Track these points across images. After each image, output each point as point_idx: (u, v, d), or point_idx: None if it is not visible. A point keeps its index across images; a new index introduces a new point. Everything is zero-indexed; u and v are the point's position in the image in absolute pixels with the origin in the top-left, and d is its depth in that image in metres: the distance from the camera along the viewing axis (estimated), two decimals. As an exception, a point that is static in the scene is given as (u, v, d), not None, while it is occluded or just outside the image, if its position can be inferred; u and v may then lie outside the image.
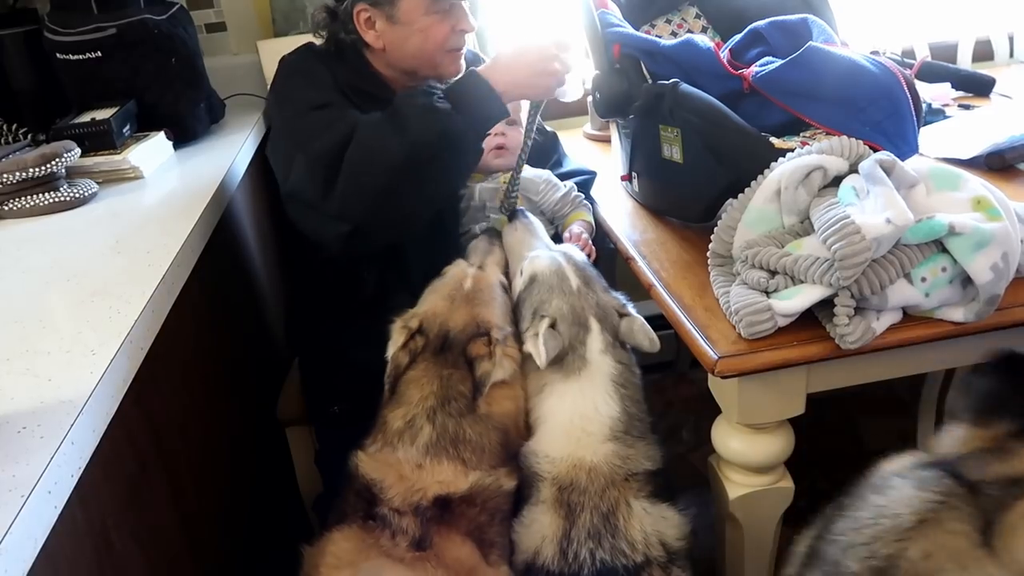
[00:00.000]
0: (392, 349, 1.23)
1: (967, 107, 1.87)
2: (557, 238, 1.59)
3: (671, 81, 1.36)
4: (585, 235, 1.52)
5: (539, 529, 1.16)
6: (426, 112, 1.29)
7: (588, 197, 1.64)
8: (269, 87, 1.59)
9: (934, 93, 1.92)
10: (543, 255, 1.34)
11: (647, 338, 1.26)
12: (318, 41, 1.57)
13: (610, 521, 1.14)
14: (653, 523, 1.16)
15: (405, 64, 1.51)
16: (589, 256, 1.43)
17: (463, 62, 1.52)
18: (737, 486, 1.28)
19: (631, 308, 1.29)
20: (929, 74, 1.96)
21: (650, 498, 1.17)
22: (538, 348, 1.20)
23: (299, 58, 1.53)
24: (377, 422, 1.22)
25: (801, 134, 1.34)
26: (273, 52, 2.01)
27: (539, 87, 1.37)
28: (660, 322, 1.30)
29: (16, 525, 0.70)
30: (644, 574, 1.12)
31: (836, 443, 2.17)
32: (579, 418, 1.19)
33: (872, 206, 1.06)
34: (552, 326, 1.23)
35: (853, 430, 2.22)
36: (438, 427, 1.16)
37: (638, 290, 1.38)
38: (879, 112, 1.27)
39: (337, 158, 1.29)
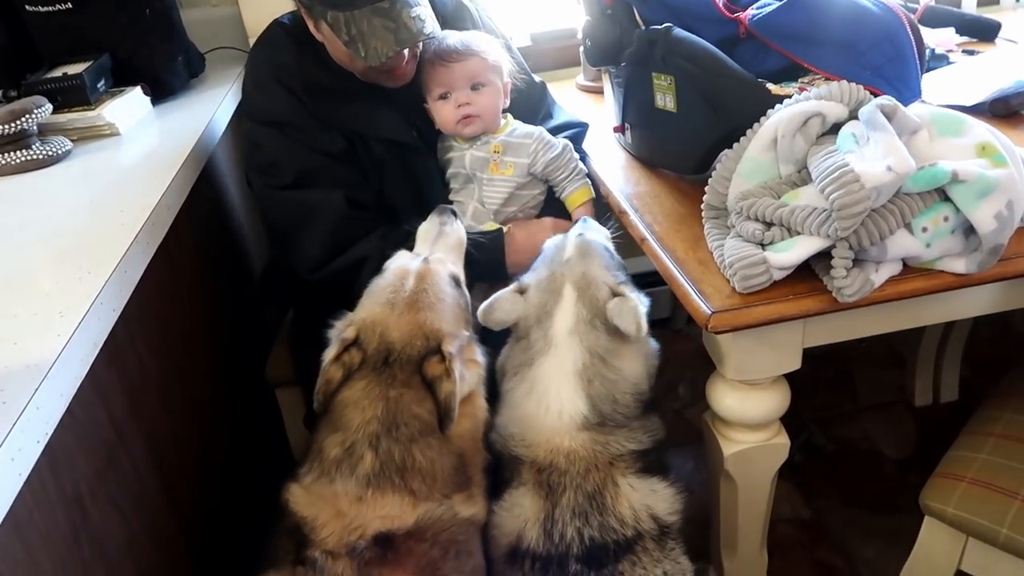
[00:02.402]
0: (325, 360, 1.10)
1: (971, 52, 1.81)
2: (552, 198, 1.55)
3: (664, 26, 1.30)
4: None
5: (520, 512, 1.12)
6: None
7: (580, 150, 1.58)
8: (244, 76, 1.51)
9: (938, 38, 1.86)
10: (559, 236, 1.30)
11: (634, 322, 1.13)
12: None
13: (596, 500, 1.10)
14: (642, 497, 1.13)
15: (339, 60, 1.43)
16: None
17: (410, 70, 1.45)
18: (732, 443, 1.26)
19: (630, 291, 1.18)
20: (933, 18, 1.89)
21: (638, 474, 1.14)
22: (481, 313, 1.16)
23: (267, 59, 1.46)
24: (311, 447, 1.09)
25: (799, 80, 1.28)
26: (254, 4, 1.95)
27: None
28: (653, 278, 1.27)
29: (-24, 494, 0.67)
30: (638, 547, 1.10)
31: (831, 398, 2.16)
32: (546, 411, 1.14)
33: (872, 153, 1.02)
34: (521, 292, 1.18)
35: (849, 384, 2.21)
36: (382, 454, 1.02)
37: (631, 246, 1.34)
38: (881, 56, 1.21)
39: (340, 274, 1.40)
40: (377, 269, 1.24)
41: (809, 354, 1.17)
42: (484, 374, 1.15)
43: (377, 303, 1.13)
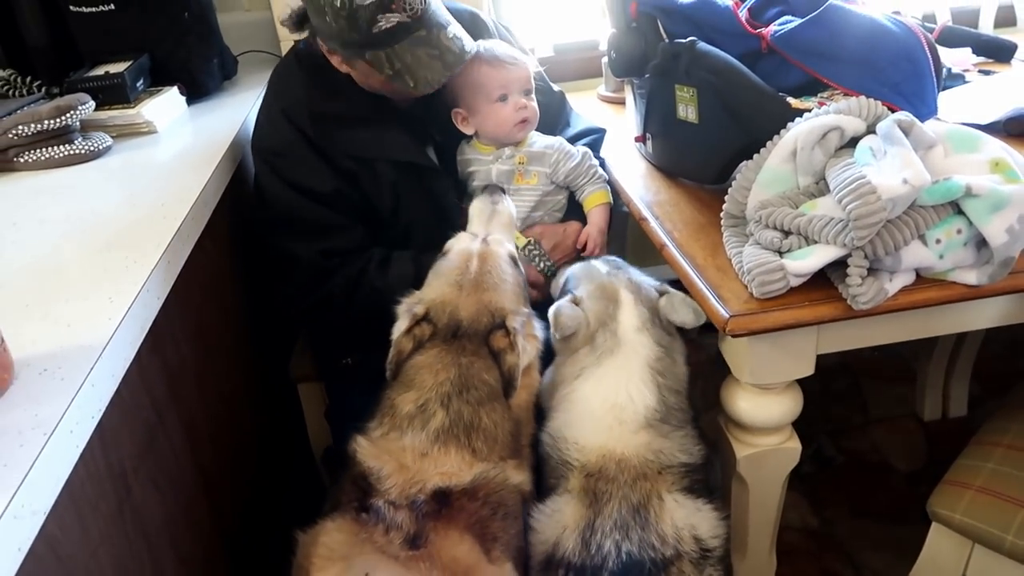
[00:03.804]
0: (396, 333, 1.19)
1: (987, 72, 1.84)
2: (573, 203, 1.59)
3: (688, 40, 1.34)
4: (596, 241, 1.53)
5: (560, 519, 1.12)
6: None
7: (598, 156, 1.62)
8: (261, 103, 1.52)
9: (955, 58, 1.88)
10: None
11: (691, 310, 1.22)
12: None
13: (640, 514, 1.10)
14: (686, 516, 1.12)
15: (372, 88, 1.44)
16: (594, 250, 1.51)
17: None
18: (745, 446, 1.29)
19: (670, 288, 1.27)
20: (950, 38, 1.92)
21: (684, 492, 1.14)
22: (552, 319, 1.20)
23: (278, 92, 1.47)
24: (382, 404, 1.17)
25: (819, 95, 1.32)
26: (287, 8, 1.99)
27: None
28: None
29: (39, 462, 0.72)
30: (674, 568, 1.08)
31: (842, 410, 2.18)
32: (611, 407, 1.17)
33: (889, 166, 1.06)
34: (575, 303, 1.22)
35: (859, 397, 2.23)
36: (452, 413, 1.11)
37: (651, 252, 1.38)
38: (898, 73, 1.25)
39: (311, 312, 1.46)
40: (345, 298, 1.31)
41: (820, 367, 1.20)
42: (542, 347, 1.23)
43: (446, 284, 1.22)
